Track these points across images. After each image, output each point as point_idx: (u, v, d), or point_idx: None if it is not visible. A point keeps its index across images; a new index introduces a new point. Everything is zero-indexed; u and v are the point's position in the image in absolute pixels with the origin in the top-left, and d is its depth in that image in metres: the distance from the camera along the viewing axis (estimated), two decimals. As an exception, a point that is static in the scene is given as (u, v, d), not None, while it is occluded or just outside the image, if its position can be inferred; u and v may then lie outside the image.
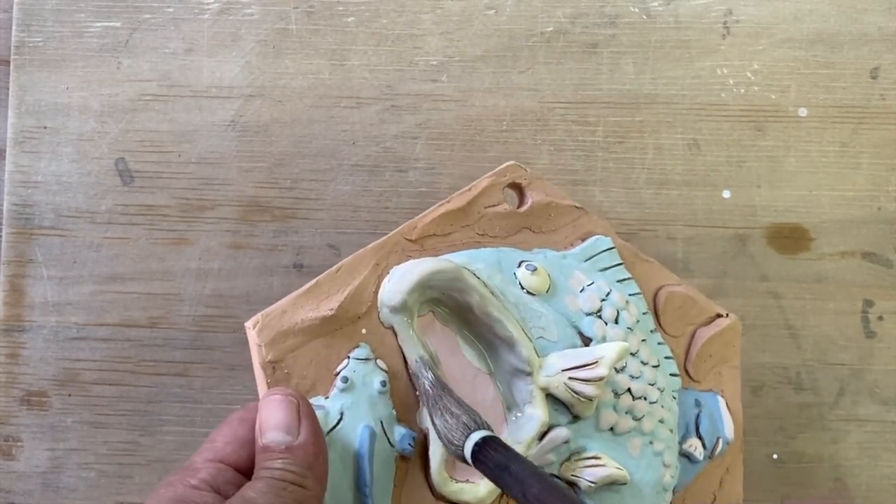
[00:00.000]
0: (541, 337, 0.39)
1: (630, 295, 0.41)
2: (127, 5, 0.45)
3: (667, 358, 0.42)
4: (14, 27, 0.45)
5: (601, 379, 0.38)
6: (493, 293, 0.39)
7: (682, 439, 0.42)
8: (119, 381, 0.45)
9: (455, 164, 0.46)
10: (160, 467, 0.45)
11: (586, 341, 0.40)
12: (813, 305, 0.46)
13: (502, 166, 0.42)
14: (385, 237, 0.39)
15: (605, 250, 0.42)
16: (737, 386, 0.44)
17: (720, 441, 0.42)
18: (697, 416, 0.42)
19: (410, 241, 0.40)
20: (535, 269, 0.40)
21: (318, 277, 0.38)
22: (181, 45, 0.45)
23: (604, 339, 0.40)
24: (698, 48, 0.46)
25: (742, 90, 0.46)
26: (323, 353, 0.37)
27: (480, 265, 0.40)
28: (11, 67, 0.45)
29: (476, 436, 0.34)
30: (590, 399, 0.38)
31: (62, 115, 0.45)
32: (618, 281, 0.42)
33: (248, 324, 0.37)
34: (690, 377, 0.43)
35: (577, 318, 0.40)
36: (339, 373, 0.37)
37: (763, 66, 0.46)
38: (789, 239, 0.46)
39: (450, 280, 0.38)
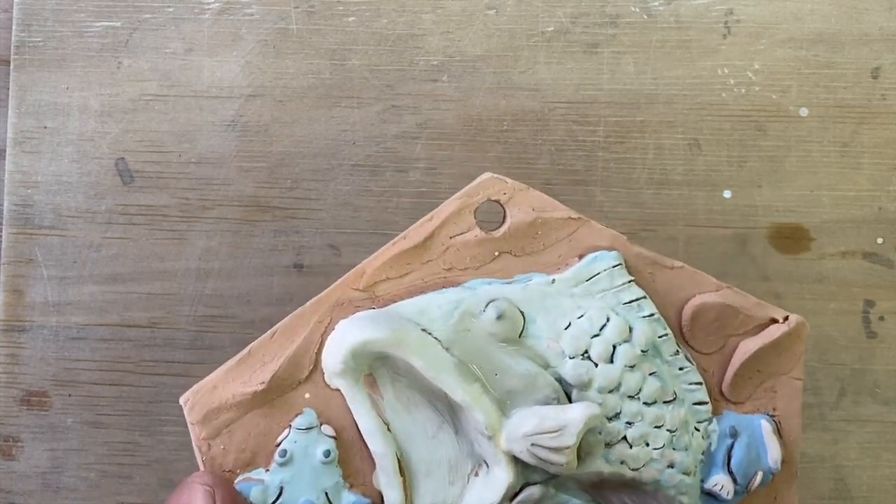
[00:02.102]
0: (510, 390, 0.34)
1: (641, 317, 0.35)
2: (127, 5, 0.45)
3: (692, 384, 0.36)
4: (14, 27, 0.45)
5: (568, 448, 0.33)
6: (446, 350, 0.34)
7: (706, 477, 0.36)
8: (119, 381, 0.45)
9: (455, 164, 0.46)
10: (160, 467, 0.45)
11: (569, 389, 0.35)
12: (814, 306, 0.46)
13: (475, 182, 0.36)
14: (327, 290, 0.36)
15: (605, 270, 0.36)
16: (796, 402, 0.37)
17: (759, 473, 0.36)
18: (731, 448, 0.36)
19: (358, 290, 0.35)
20: (502, 315, 0.34)
21: (251, 345, 0.35)
22: (181, 45, 0.45)
23: (589, 385, 0.34)
24: (699, 48, 0.46)
25: (743, 90, 0.46)
26: (262, 424, 0.35)
27: (436, 314, 0.34)
28: (11, 67, 0.45)
29: None
30: (561, 465, 0.33)
31: (62, 115, 0.45)
32: (625, 303, 0.36)
33: (182, 400, 0.35)
34: (727, 399, 0.37)
35: (557, 363, 0.35)
36: (280, 443, 0.35)
37: (764, 65, 0.46)
38: (790, 239, 0.46)
39: (386, 348, 0.33)
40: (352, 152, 0.46)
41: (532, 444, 0.33)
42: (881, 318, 0.46)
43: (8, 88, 0.45)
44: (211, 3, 0.46)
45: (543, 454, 0.33)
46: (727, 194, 0.46)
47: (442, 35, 0.46)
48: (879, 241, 0.46)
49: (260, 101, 0.46)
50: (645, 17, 0.46)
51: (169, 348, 0.45)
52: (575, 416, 0.33)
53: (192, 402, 0.35)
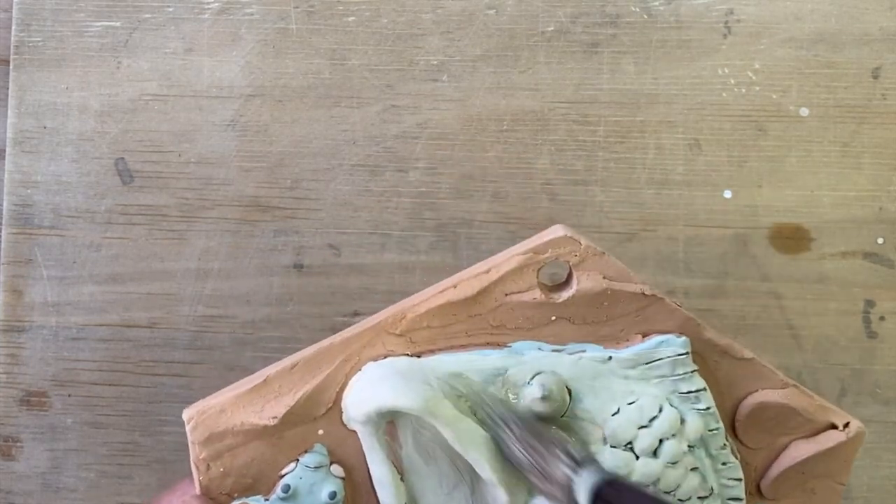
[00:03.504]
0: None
1: (696, 410, 0.33)
2: (127, 5, 0.45)
3: (731, 480, 0.34)
4: (14, 27, 0.45)
5: None
6: (480, 421, 0.31)
7: None
8: (119, 381, 0.45)
9: (455, 164, 0.45)
10: (160, 467, 0.45)
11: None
12: (814, 306, 0.46)
13: (544, 236, 0.32)
14: (358, 328, 0.33)
15: (669, 357, 0.32)
16: None
17: None
18: None
19: (395, 334, 0.33)
20: (548, 396, 0.31)
21: (268, 371, 0.33)
22: (181, 44, 0.45)
23: (628, 478, 0.32)
24: (699, 48, 0.46)
25: (743, 90, 0.46)
26: (268, 453, 0.33)
27: (476, 378, 0.32)
28: (11, 67, 0.45)
29: (590, 478, 0.28)
30: None
31: (62, 115, 0.45)
32: (682, 392, 0.33)
33: (185, 416, 0.33)
34: (762, 495, 0.35)
35: (597, 448, 0.32)
36: (284, 475, 0.33)
37: (764, 65, 0.46)
38: (790, 239, 0.46)
39: (416, 413, 0.31)
40: (352, 152, 0.46)
41: None
42: (881, 319, 0.46)
43: (8, 88, 0.45)
44: (211, 3, 0.46)
45: None
46: (727, 194, 0.46)
47: (442, 35, 0.46)
48: (880, 241, 0.46)
49: (260, 101, 0.45)
50: (645, 17, 0.46)
51: (169, 348, 0.45)
52: None
53: (196, 421, 0.33)
